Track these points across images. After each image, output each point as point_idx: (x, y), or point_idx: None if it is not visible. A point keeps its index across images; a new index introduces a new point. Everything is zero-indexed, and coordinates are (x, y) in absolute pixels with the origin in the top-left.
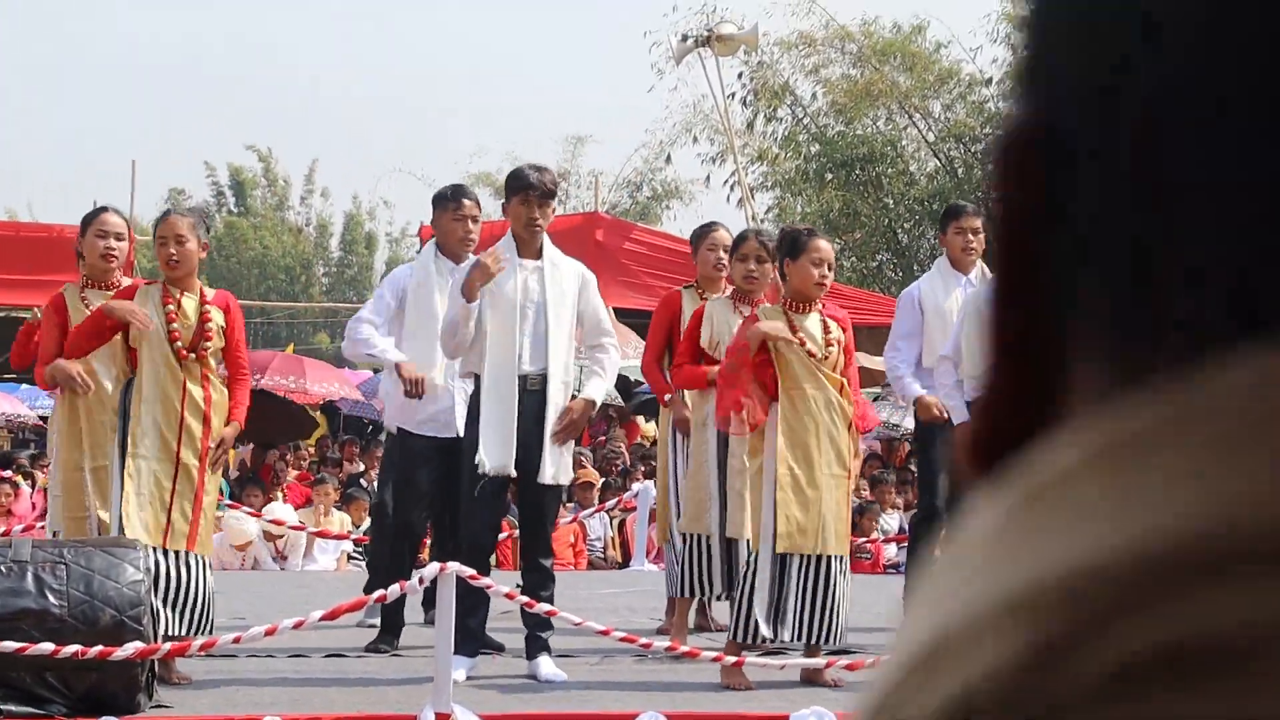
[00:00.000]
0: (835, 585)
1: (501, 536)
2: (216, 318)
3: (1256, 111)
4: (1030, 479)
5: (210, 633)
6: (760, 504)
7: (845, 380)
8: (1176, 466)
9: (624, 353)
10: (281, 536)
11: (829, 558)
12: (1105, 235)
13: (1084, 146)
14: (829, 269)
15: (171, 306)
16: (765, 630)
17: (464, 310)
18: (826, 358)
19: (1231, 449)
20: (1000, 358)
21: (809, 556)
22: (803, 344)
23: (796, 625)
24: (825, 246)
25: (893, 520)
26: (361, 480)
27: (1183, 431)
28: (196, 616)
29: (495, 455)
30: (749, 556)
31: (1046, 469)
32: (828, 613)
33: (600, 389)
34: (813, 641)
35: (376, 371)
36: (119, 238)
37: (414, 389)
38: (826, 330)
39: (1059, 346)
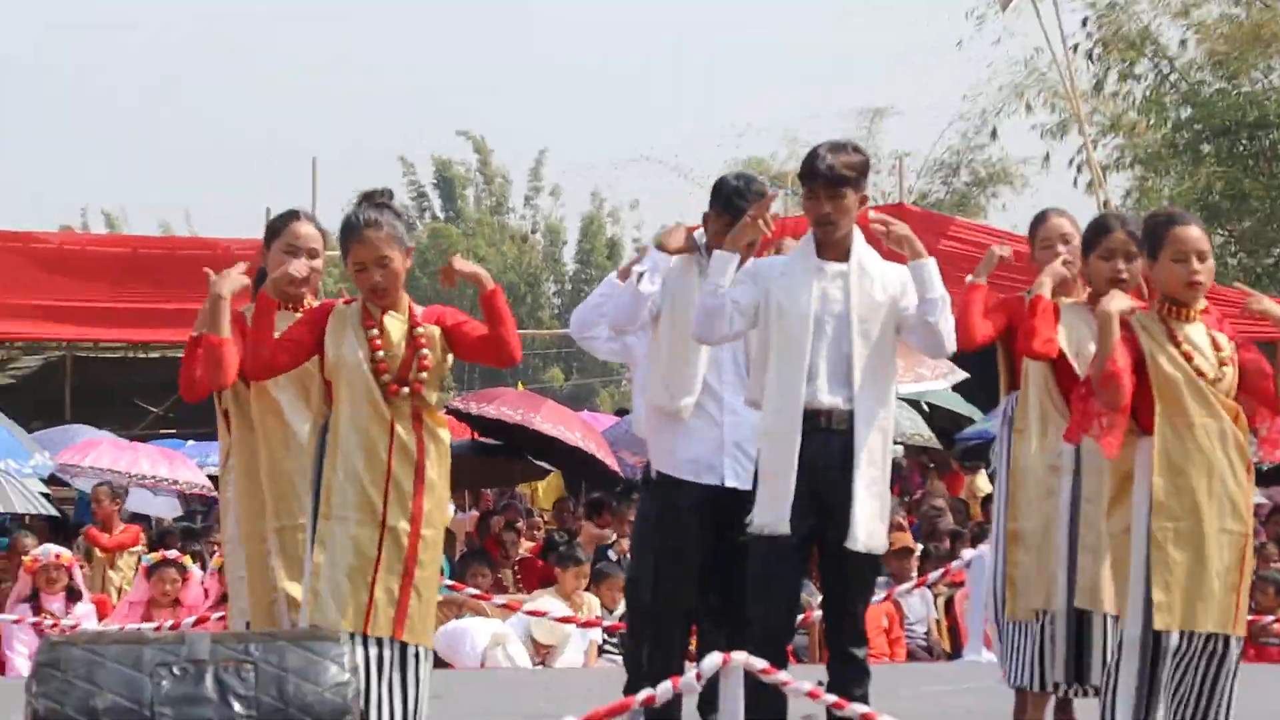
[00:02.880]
0: (1227, 672)
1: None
2: (432, 334)
3: None
4: None
5: None
6: (1127, 568)
7: (1240, 409)
8: None
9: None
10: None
11: (1219, 637)
12: None
13: None
14: (1199, 260)
15: (374, 331)
16: None
17: (725, 258)
18: (1219, 379)
19: None
20: None
21: (1196, 635)
22: (1189, 358)
23: None
24: (1192, 235)
25: None
26: (610, 551)
27: None
28: None
29: (766, 510)
30: (1115, 638)
31: None
32: (1215, 706)
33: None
34: None
35: (622, 413)
36: (313, 255)
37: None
38: (1217, 347)
39: None
